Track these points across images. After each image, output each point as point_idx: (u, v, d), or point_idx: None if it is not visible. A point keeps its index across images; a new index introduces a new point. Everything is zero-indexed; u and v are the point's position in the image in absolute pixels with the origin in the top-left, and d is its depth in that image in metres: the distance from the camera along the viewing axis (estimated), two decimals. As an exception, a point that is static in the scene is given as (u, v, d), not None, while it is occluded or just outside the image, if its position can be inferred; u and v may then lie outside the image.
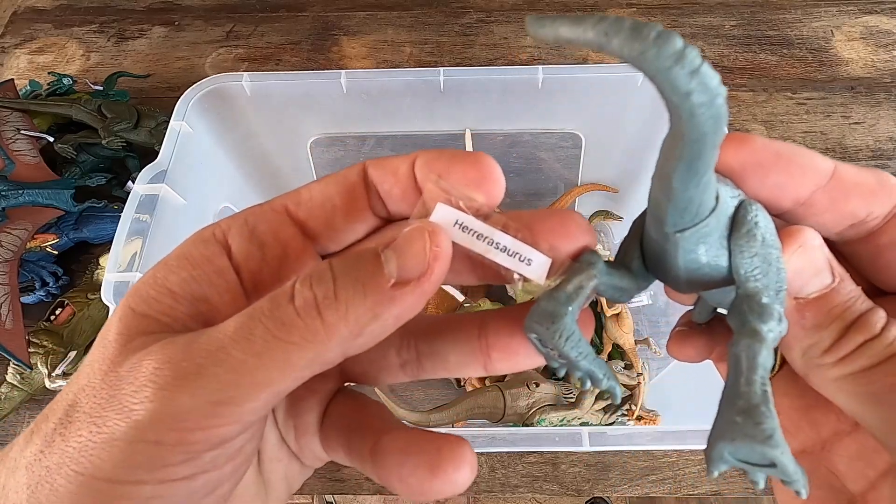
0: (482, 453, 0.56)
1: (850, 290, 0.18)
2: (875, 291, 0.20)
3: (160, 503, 0.15)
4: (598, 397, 0.55)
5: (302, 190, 0.21)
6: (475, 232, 0.17)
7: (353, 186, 0.20)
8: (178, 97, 0.53)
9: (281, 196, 0.20)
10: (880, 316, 0.18)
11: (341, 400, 0.22)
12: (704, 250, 0.16)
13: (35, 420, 0.17)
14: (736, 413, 0.15)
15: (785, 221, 0.19)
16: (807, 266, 0.17)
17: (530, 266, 0.17)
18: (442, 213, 0.17)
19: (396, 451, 0.19)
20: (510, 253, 0.17)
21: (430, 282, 0.17)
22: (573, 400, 0.56)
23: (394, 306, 0.16)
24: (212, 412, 0.15)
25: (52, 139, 0.69)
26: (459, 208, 0.17)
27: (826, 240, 0.19)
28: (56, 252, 0.65)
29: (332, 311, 0.16)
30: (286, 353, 0.16)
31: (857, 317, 0.17)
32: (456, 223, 0.17)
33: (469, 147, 0.61)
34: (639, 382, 0.57)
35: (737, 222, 0.16)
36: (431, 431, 0.19)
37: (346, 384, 0.22)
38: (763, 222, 0.16)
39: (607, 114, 0.59)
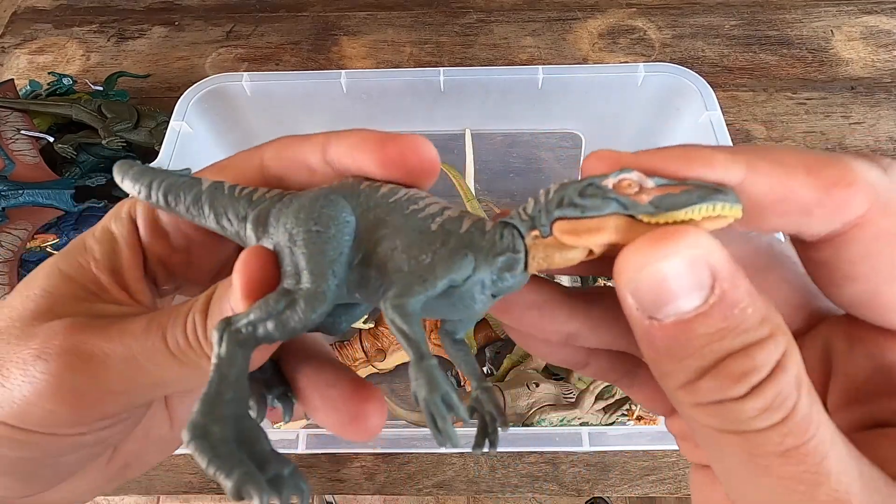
0: (482, 453, 0.56)
1: (727, 318, 0.13)
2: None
3: (45, 450, 0.18)
4: (598, 397, 0.55)
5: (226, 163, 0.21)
6: None
7: (252, 182, 0.19)
8: (178, 97, 0.53)
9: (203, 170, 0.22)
10: (761, 362, 0.13)
11: None
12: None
13: None
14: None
15: None
16: (680, 278, 0.13)
17: None
18: None
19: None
20: None
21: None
22: (573, 400, 0.55)
23: None
24: (100, 398, 0.17)
25: (52, 139, 0.69)
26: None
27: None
28: (56, 252, 0.65)
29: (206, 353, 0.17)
30: (166, 372, 0.18)
31: (725, 355, 0.13)
32: None
33: (469, 147, 0.61)
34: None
35: None
36: None
37: None
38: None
39: (607, 114, 0.59)
